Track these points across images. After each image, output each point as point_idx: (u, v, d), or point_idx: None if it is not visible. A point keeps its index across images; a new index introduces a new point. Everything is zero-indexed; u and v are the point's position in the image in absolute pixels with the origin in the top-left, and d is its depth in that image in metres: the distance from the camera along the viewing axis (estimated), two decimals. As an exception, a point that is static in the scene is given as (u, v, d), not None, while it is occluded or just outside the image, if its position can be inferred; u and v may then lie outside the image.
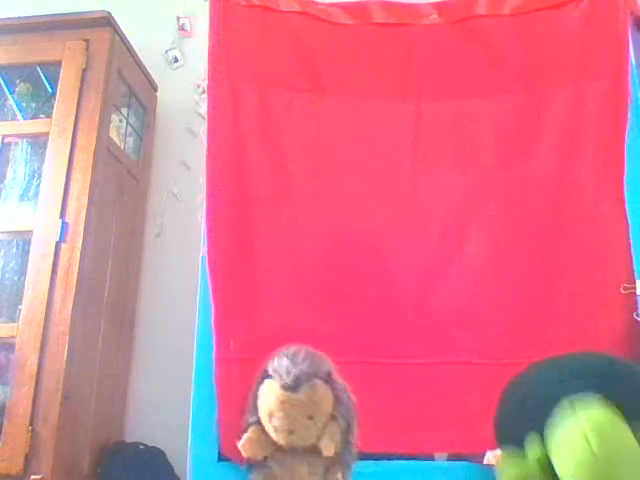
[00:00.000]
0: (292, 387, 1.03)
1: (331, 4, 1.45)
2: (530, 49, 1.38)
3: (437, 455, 1.26)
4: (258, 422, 1.07)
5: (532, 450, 0.97)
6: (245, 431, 1.09)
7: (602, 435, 0.90)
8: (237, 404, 1.14)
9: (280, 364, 1.05)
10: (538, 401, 1.00)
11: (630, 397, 0.96)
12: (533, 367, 1.07)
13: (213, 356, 1.20)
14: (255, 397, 1.08)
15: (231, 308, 1.22)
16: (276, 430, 1.05)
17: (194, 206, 1.26)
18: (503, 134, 1.37)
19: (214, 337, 1.18)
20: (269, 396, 1.05)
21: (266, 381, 1.07)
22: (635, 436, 0.92)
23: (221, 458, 1.17)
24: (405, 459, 1.17)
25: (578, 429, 0.91)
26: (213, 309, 1.19)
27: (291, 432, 1.04)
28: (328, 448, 1.05)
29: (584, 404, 0.94)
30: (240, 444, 1.06)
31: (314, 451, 1.06)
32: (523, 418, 1.02)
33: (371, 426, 1.10)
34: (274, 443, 1.06)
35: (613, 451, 0.90)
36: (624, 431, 0.92)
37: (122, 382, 1.74)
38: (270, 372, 1.06)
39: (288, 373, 1.03)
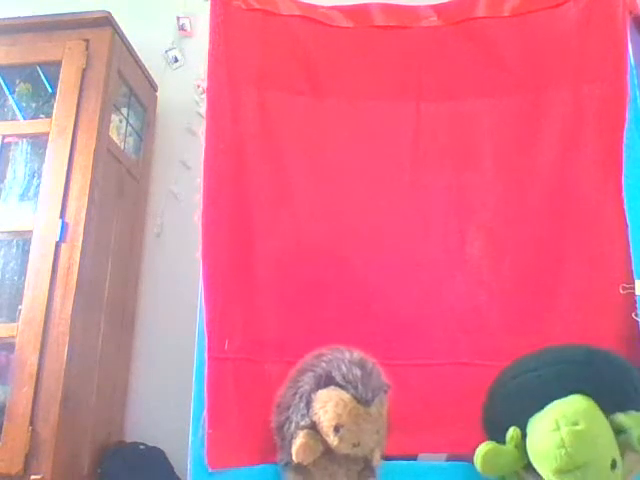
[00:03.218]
0: (367, 401, 1.01)
1: (331, 7, 1.45)
2: (529, 50, 1.38)
3: (437, 455, 1.25)
4: (311, 427, 1.04)
5: (509, 433, 1.01)
6: (277, 433, 1.09)
7: (571, 419, 0.93)
8: (229, 404, 1.14)
9: (352, 374, 1.02)
10: (518, 395, 1.04)
11: (608, 388, 0.99)
12: (516, 361, 1.10)
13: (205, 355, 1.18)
14: (306, 400, 1.05)
15: (227, 308, 1.21)
16: (342, 441, 1.01)
17: (194, 206, 1.25)
18: (503, 135, 1.37)
19: (206, 336, 1.16)
20: (339, 407, 1.01)
21: (332, 389, 1.03)
22: (611, 427, 0.95)
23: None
24: (405, 460, 1.17)
25: (550, 413, 0.96)
26: (205, 307, 1.17)
27: (357, 445, 1.02)
28: (378, 459, 1.06)
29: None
30: (294, 450, 1.03)
31: (351, 456, 1.05)
32: (506, 413, 1.05)
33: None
34: (321, 448, 1.04)
35: (581, 435, 0.92)
36: (596, 418, 0.95)
37: (122, 382, 1.74)
38: (339, 380, 1.02)
39: (364, 386, 1.01)
